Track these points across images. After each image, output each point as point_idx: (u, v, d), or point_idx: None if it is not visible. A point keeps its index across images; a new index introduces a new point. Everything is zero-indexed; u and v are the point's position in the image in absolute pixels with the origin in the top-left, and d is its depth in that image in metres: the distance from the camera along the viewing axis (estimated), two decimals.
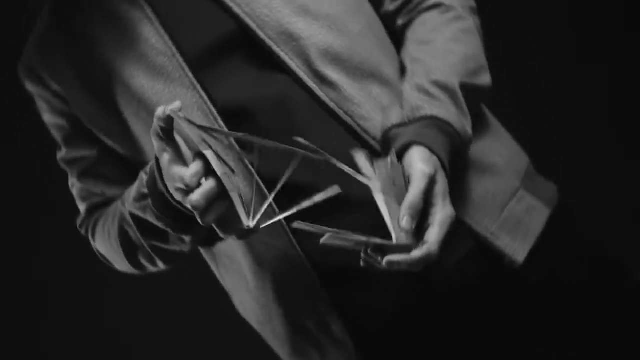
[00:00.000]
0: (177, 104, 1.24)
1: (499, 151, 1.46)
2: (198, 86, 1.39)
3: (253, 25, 1.39)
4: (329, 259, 1.38)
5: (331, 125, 1.39)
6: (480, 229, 1.39)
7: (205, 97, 1.39)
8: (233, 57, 1.40)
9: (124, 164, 1.51)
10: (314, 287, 1.40)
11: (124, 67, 1.42)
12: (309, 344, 1.46)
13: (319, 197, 1.22)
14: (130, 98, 1.42)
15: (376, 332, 1.41)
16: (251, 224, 1.23)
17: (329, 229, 1.21)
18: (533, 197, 1.45)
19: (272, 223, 1.24)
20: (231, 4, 1.39)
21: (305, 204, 1.22)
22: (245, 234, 1.24)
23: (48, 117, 1.53)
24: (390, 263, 1.22)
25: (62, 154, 1.55)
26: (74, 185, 1.57)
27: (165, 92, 1.40)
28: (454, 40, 1.42)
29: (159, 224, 1.39)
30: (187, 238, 1.42)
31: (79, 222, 1.60)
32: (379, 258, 1.22)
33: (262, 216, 1.23)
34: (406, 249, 1.23)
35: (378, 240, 1.22)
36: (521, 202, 1.44)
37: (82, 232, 1.60)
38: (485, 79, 1.43)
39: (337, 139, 1.38)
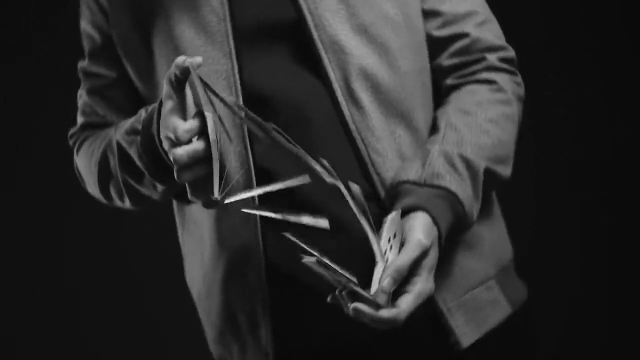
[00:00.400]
0: (198, 59, 1.23)
1: (490, 236, 1.46)
2: (234, 57, 1.38)
3: (311, 24, 1.38)
4: (286, 268, 1.38)
5: (343, 145, 1.38)
6: (439, 301, 1.39)
7: (236, 70, 1.38)
8: (278, 45, 1.39)
9: (135, 97, 1.50)
10: (260, 287, 1.40)
11: (175, 11, 1.41)
12: (234, 339, 1.45)
13: (288, 183, 1.22)
14: (168, 41, 1.41)
15: (302, 355, 1.41)
16: (218, 196, 1.23)
17: (317, 254, 1.21)
18: (501, 291, 1.45)
19: (236, 201, 1.25)
20: None
21: (274, 186, 1.23)
22: (210, 204, 1.25)
23: (84, 25, 1.52)
24: (356, 311, 1.22)
25: (83, 64, 1.55)
26: (81, 97, 1.57)
27: (201, 49, 1.39)
28: (494, 122, 1.41)
29: (139, 163, 1.39)
30: (159, 186, 1.41)
31: (71, 132, 1.60)
32: (349, 302, 1.23)
33: (232, 192, 1.24)
34: (377, 305, 1.23)
35: (355, 287, 1.22)
36: (488, 292, 1.43)
37: (70, 143, 1.59)
38: (507, 170, 1.43)
39: (343, 160, 1.38)
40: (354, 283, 1.22)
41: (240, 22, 1.39)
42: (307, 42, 1.38)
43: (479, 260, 1.43)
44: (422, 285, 1.26)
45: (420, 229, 1.28)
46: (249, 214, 1.36)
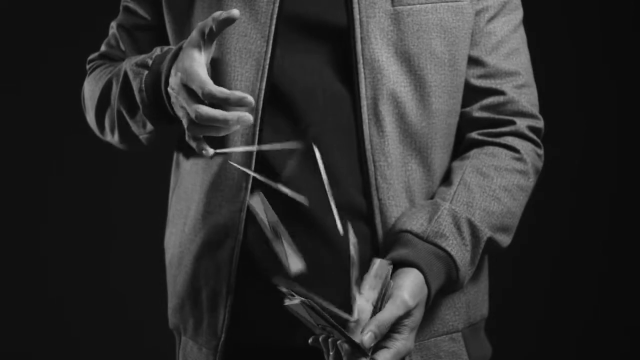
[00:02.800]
0: (235, 11, 1.25)
1: (470, 292, 1.46)
2: (271, 42, 1.37)
3: (358, 36, 1.37)
4: (259, 258, 1.39)
5: (352, 162, 1.38)
6: None
7: (269, 56, 1.37)
8: (318, 45, 1.38)
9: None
10: (229, 269, 1.40)
11: None
12: (193, 313, 1.46)
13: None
14: (214, 5, 1.40)
15: (252, 348, 1.42)
16: (211, 152, 1.30)
17: (304, 298, 1.23)
18: (464, 346, 1.44)
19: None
20: (355, 7, 1.37)
21: (268, 146, 1.30)
22: (203, 154, 1.31)
23: None
24: (342, 349, 1.23)
25: None
26: (112, 28, 1.57)
27: (242, 26, 1.38)
28: (508, 190, 1.40)
29: (137, 97, 1.38)
30: (148, 126, 1.41)
31: (90, 57, 1.61)
32: (332, 350, 1.25)
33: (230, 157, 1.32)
34: (361, 352, 1.24)
35: (342, 334, 1.23)
36: (451, 343, 1.43)
37: (87, 67, 1.60)
38: (507, 240, 1.42)
39: (348, 175, 1.37)
40: (342, 331, 1.23)
41: (288, 11, 1.38)
42: (347, 52, 1.37)
43: (451, 312, 1.43)
44: (402, 343, 1.26)
45: (409, 289, 1.28)
46: (238, 196, 1.38)
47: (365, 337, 1.23)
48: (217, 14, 1.25)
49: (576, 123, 2.86)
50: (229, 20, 1.25)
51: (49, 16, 2.92)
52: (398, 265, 1.31)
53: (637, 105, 2.89)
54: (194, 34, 1.28)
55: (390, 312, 1.25)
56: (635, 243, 2.91)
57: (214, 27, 1.25)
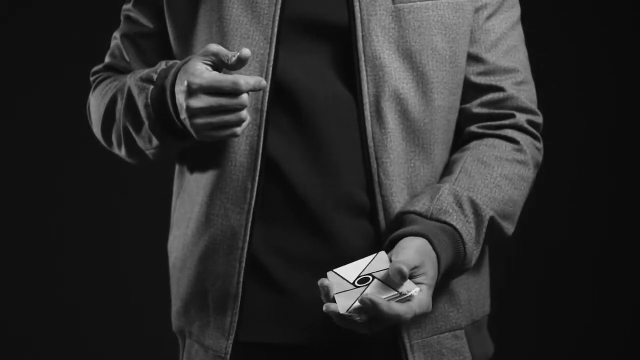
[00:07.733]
0: (246, 51, 1.28)
1: (472, 288, 1.46)
2: (274, 44, 1.38)
3: (359, 34, 1.37)
4: (266, 260, 1.39)
5: (355, 159, 1.38)
6: (404, 335, 1.39)
7: (272, 57, 1.37)
8: (320, 45, 1.39)
9: (165, 54, 1.49)
10: (237, 271, 1.40)
11: None
12: (198, 315, 1.45)
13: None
14: (215, 9, 1.40)
15: (260, 347, 1.42)
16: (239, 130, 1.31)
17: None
18: (467, 343, 1.44)
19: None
20: (356, 5, 1.37)
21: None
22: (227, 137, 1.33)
23: None
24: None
25: (127, 6, 1.54)
26: (115, 39, 1.56)
27: (244, 28, 1.38)
28: (509, 179, 1.40)
29: (142, 112, 1.38)
30: (154, 141, 1.40)
31: (94, 69, 1.60)
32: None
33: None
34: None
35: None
36: (454, 340, 1.43)
37: (91, 79, 1.59)
38: (510, 228, 1.42)
39: (351, 171, 1.38)
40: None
41: (290, 12, 1.38)
42: (349, 50, 1.38)
43: (454, 308, 1.43)
44: (417, 299, 1.23)
45: (414, 247, 1.26)
46: (244, 198, 1.38)
47: (402, 266, 1.20)
48: (247, 53, 1.27)
49: (576, 122, 2.86)
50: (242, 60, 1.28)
51: (51, 24, 2.92)
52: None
53: (637, 105, 2.90)
54: (209, 48, 1.30)
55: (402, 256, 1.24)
56: (635, 243, 2.91)
57: (233, 64, 1.28)
